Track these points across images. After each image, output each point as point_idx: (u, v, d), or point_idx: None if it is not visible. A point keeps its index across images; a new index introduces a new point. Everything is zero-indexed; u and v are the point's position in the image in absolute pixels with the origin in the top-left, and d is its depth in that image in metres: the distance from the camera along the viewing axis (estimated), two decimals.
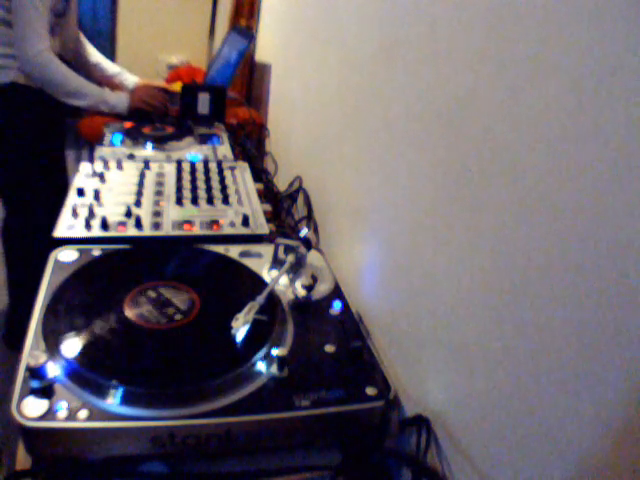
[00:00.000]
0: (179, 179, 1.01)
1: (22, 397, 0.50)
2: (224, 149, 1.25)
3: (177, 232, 0.83)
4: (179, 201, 0.92)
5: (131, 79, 1.60)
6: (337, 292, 0.73)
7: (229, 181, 1.03)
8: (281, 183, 1.24)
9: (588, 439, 0.35)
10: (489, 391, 0.46)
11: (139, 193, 0.93)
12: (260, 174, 1.23)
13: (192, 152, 1.20)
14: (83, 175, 0.99)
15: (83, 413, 0.49)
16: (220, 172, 1.06)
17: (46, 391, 0.51)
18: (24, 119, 1.35)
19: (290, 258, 0.72)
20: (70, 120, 1.60)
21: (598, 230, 0.34)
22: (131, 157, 1.14)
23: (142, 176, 1.01)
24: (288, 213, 1.12)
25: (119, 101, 1.38)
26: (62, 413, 0.49)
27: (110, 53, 2.71)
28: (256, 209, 0.93)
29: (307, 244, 0.74)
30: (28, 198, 1.43)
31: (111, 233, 0.81)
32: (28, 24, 1.22)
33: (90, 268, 0.71)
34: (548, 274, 0.39)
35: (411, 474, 0.54)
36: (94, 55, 1.59)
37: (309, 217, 1.04)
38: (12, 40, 1.25)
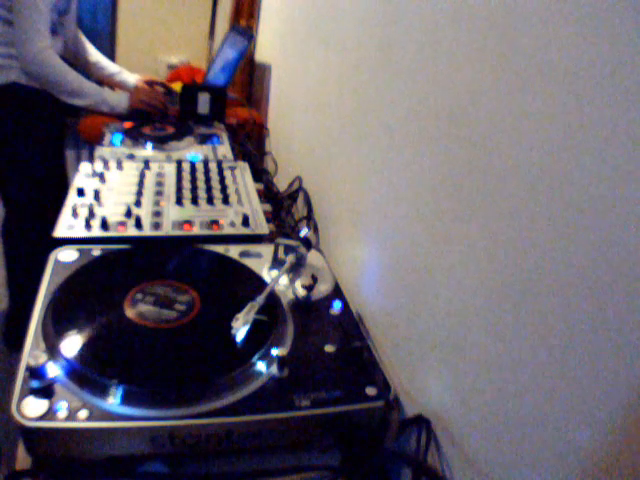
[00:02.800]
0: (179, 179, 1.01)
1: (22, 397, 0.50)
2: (224, 149, 1.25)
3: (177, 232, 0.83)
4: (179, 201, 0.92)
5: (131, 78, 1.60)
6: (337, 292, 0.73)
7: (229, 181, 1.03)
8: (281, 183, 1.24)
9: (588, 439, 0.35)
10: (489, 391, 0.46)
11: (139, 193, 0.93)
12: (260, 174, 1.23)
13: (192, 152, 1.20)
14: (83, 175, 0.99)
15: (83, 413, 0.49)
16: (220, 172, 1.06)
17: (46, 391, 0.51)
18: (24, 119, 1.35)
19: (290, 258, 0.72)
20: (70, 120, 1.60)
21: (599, 231, 0.34)
22: (131, 157, 1.14)
23: (142, 176, 1.01)
24: (288, 213, 1.12)
25: (119, 101, 1.38)
26: (62, 413, 0.49)
27: (110, 53, 2.70)
28: (256, 209, 0.93)
29: (307, 244, 0.74)
30: (28, 198, 1.43)
31: (111, 233, 0.81)
32: (29, 22, 1.22)
33: (90, 268, 0.71)
34: (548, 274, 0.39)
35: (411, 474, 0.54)
36: (93, 54, 1.59)
37: (309, 217, 1.04)
38: (13, 40, 1.25)
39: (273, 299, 0.67)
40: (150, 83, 1.59)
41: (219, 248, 0.80)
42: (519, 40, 0.42)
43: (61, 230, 0.80)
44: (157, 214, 0.88)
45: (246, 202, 0.95)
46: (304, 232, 0.75)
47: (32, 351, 0.55)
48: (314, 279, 0.71)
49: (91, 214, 0.84)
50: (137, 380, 0.53)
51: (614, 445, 0.33)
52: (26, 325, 0.59)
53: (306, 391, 0.55)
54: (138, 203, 0.90)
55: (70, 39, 1.47)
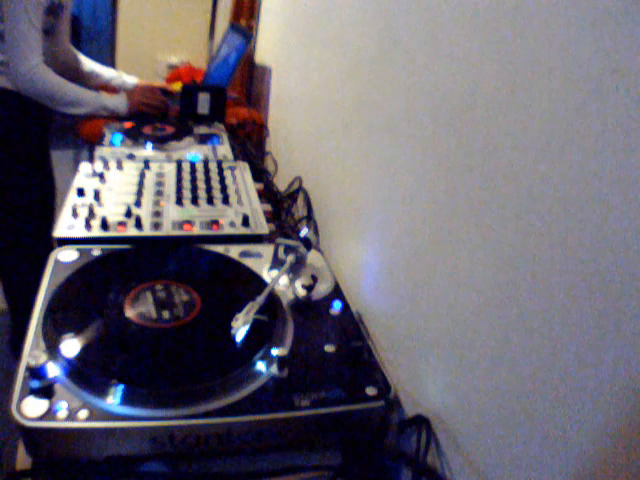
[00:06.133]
0: (179, 179, 1.01)
1: (22, 397, 0.50)
2: (224, 149, 1.25)
3: (177, 232, 0.83)
4: (179, 201, 0.92)
5: (130, 81, 1.59)
6: (337, 292, 0.73)
7: (229, 181, 1.03)
8: (281, 183, 1.24)
9: (588, 441, 0.35)
10: (489, 391, 0.46)
11: (139, 193, 0.93)
12: (260, 174, 1.23)
13: (192, 152, 1.20)
14: (83, 175, 0.99)
15: (83, 413, 0.49)
16: (220, 172, 1.06)
17: (46, 391, 0.51)
18: (8, 124, 1.33)
19: (290, 258, 0.72)
20: (70, 120, 1.59)
21: (599, 230, 0.34)
22: (131, 157, 1.14)
23: (142, 176, 1.01)
24: (288, 213, 1.12)
25: (118, 105, 1.37)
26: (62, 413, 0.49)
27: (109, 53, 2.70)
28: (256, 209, 0.93)
29: (307, 244, 0.74)
30: (15, 202, 1.40)
31: (111, 233, 0.81)
32: (22, 39, 1.19)
33: (90, 268, 0.71)
34: (549, 275, 0.39)
35: (411, 474, 0.54)
36: (86, 64, 1.56)
37: (309, 217, 1.04)
38: (4, 51, 1.23)
39: (273, 299, 0.67)
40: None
41: (219, 248, 0.80)
42: (520, 39, 0.42)
43: (61, 230, 0.80)
44: (157, 214, 0.88)
45: (246, 202, 0.95)
46: (304, 232, 0.75)
47: (32, 351, 0.55)
48: (314, 279, 0.71)
49: (91, 214, 0.84)
50: (137, 380, 0.53)
51: (614, 446, 0.33)
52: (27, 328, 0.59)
53: (306, 391, 0.55)
54: (138, 203, 0.90)
55: (62, 55, 1.44)
